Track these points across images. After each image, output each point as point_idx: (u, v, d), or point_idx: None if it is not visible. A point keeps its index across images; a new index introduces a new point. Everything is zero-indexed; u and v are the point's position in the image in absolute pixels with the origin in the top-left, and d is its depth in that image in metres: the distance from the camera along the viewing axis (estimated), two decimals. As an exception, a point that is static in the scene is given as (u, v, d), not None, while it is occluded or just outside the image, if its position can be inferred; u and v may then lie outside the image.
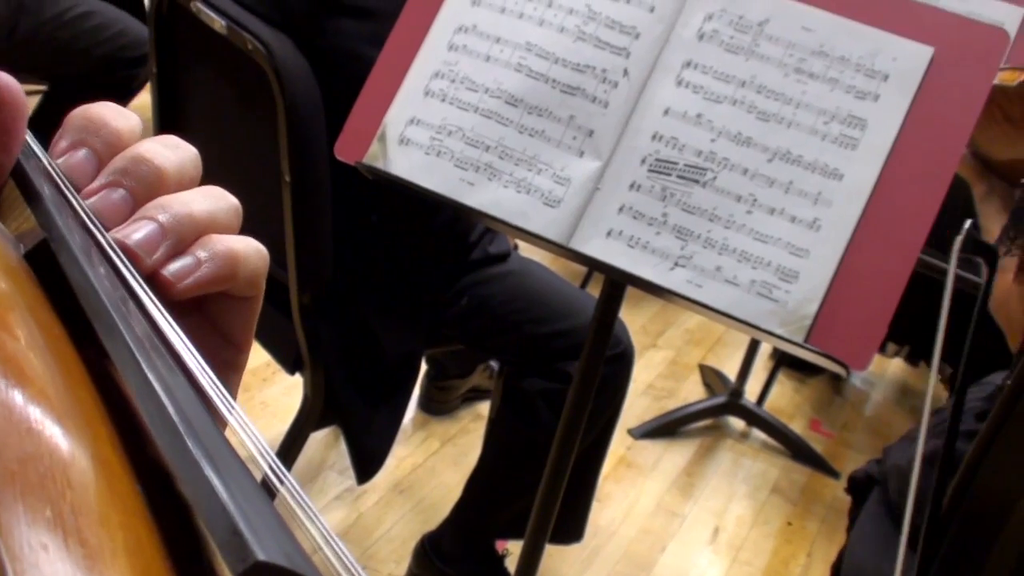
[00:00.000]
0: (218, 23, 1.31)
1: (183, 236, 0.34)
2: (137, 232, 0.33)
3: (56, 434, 0.20)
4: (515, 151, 1.01)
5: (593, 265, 1.00)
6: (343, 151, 1.06)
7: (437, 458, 2.26)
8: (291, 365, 1.61)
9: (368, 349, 1.58)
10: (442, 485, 2.16)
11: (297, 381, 1.64)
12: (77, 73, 2.38)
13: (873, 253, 0.92)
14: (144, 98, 2.09)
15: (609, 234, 0.98)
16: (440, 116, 1.04)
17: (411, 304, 1.60)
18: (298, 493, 0.23)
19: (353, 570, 0.21)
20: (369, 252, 1.55)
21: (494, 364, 2.31)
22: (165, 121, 1.59)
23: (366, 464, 1.65)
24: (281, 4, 1.35)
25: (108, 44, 2.38)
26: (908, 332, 2.57)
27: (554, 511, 1.21)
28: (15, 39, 2.26)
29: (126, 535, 0.19)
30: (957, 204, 0.92)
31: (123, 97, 2.49)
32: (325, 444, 2.17)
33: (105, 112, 0.37)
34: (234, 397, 0.38)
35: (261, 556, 0.17)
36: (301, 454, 1.83)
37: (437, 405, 2.40)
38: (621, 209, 0.98)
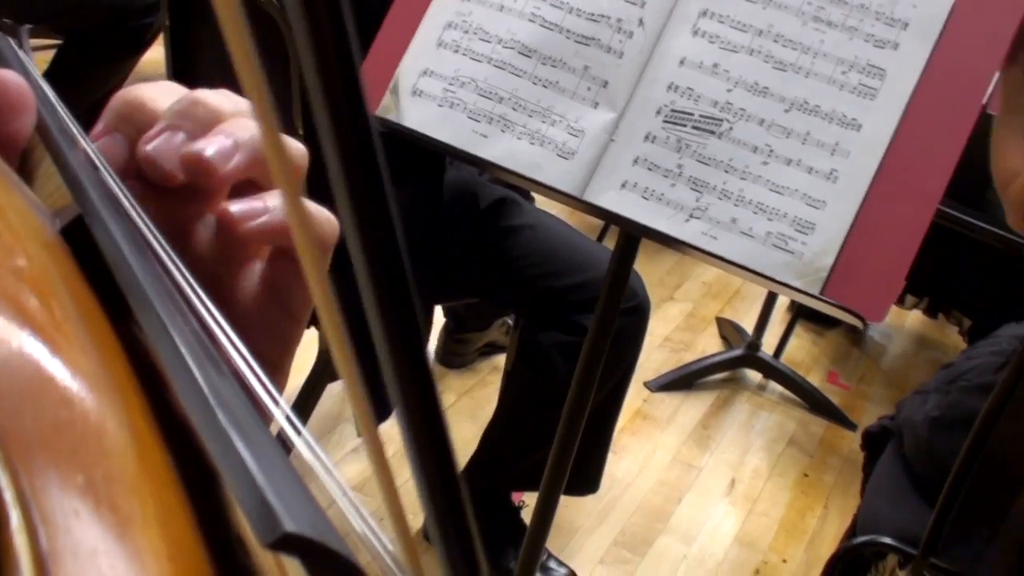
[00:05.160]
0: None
1: (256, 156, 0.34)
2: (211, 147, 0.33)
3: (89, 403, 0.20)
4: (529, 102, 1.00)
5: (607, 217, 0.99)
6: (355, 103, 1.05)
7: (454, 411, 2.27)
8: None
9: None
10: (459, 438, 2.17)
11: (312, 335, 1.65)
12: (88, 24, 2.36)
13: (891, 204, 0.91)
14: (156, 52, 2.07)
15: (623, 186, 0.97)
16: (453, 67, 1.03)
17: (423, 251, 1.60)
18: (313, 447, 0.23)
19: (368, 523, 0.22)
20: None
21: (510, 320, 2.31)
22: (178, 75, 1.58)
23: (384, 414, 1.65)
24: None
25: None
26: (927, 284, 2.56)
27: (569, 463, 1.21)
28: None
29: (157, 504, 0.19)
30: (985, 162, 0.91)
31: (136, 49, 2.48)
32: (341, 397, 2.18)
33: (143, 92, 0.36)
34: (287, 371, 0.38)
35: (290, 527, 0.18)
36: (317, 407, 1.84)
37: (454, 358, 2.40)
38: (636, 161, 0.97)
